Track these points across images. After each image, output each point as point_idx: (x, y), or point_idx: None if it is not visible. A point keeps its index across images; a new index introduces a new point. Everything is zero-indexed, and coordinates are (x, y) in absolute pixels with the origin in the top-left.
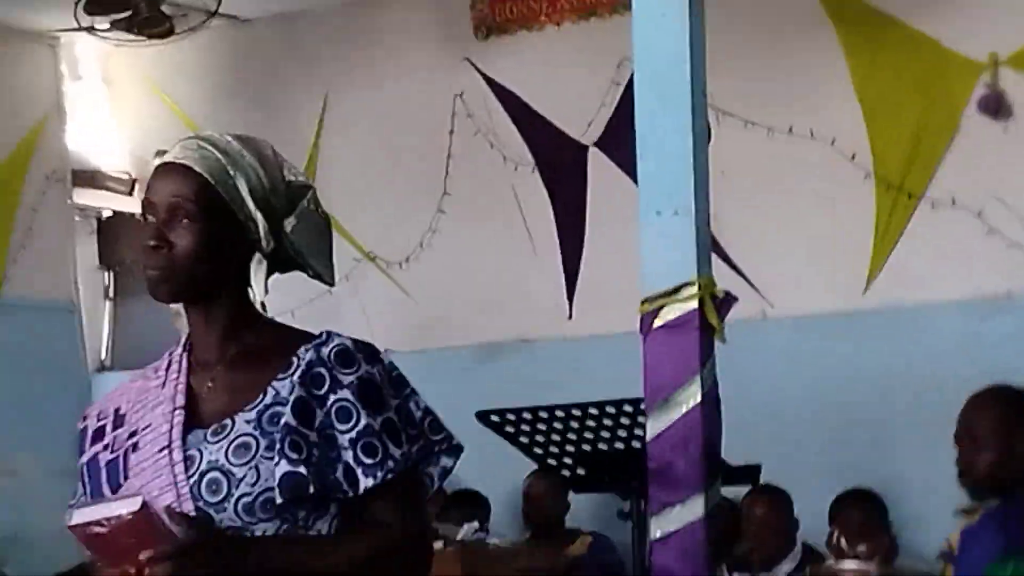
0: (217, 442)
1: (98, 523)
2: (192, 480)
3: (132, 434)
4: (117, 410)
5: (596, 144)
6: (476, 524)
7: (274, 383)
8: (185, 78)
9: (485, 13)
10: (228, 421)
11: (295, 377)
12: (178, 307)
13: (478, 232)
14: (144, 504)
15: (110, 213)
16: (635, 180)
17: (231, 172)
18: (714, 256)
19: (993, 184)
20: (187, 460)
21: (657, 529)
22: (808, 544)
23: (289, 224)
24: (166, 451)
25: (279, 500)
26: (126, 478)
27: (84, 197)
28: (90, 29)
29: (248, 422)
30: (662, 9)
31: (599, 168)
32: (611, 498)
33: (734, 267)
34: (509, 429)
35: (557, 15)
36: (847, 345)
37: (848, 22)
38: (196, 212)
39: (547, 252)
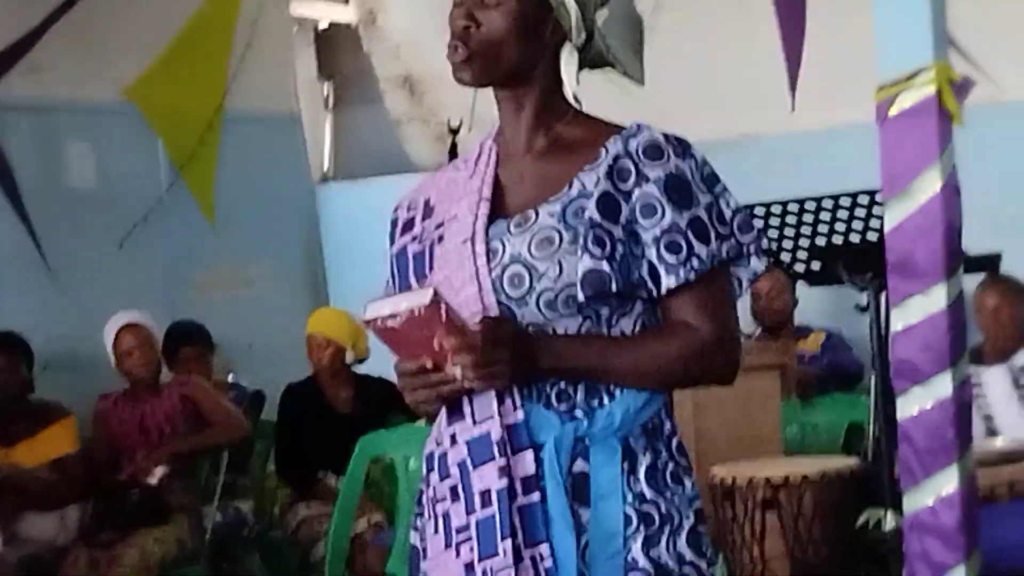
0: (520, 234)
1: (391, 316)
2: (494, 273)
3: (439, 225)
4: (427, 201)
5: None
6: None
7: (580, 175)
8: None
9: None
10: (532, 212)
11: (601, 170)
12: (401, 114)
13: (695, 24)
14: (436, 295)
15: (327, 24)
16: None
17: None
18: None
19: None
20: (490, 252)
21: (899, 321)
22: None
23: (601, 16)
24: (469, 242)
25: (581, 296)
26: (431, 269)
27: (301, 8)
28: None
29: (552, 215)
30: None
31: None
32: (846, 292)
33: (960, 51)
34: None
35: None
36: None
37: None
38: None
39: (767, 42)
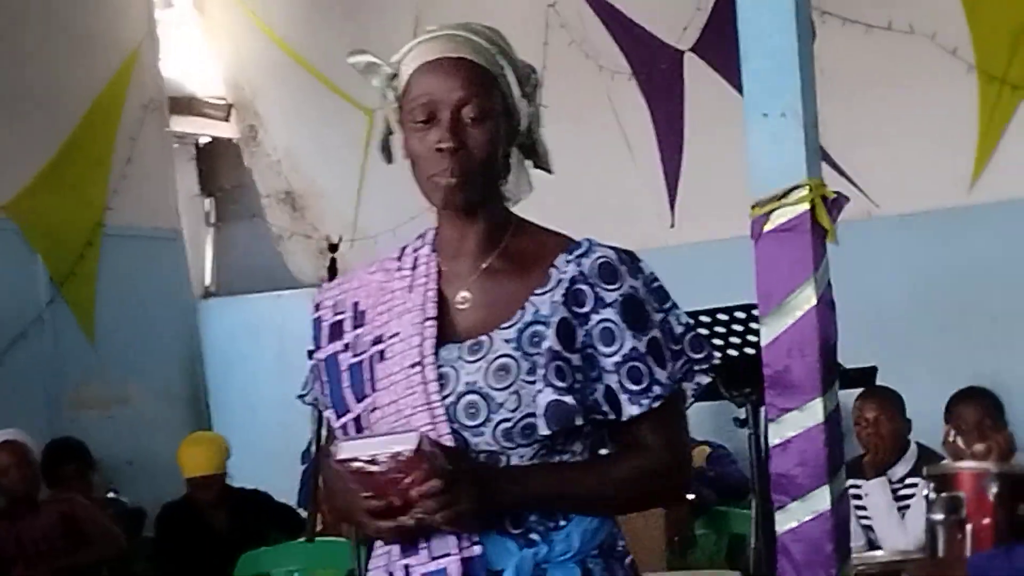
0: (475, 361)
1: (371, 460)
2: (448, 400)
3: (378, 340)
4: (356, 305)
5: (692, 49)
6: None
7: (532, 298)
8: (276, 1)
9: None
10: (485, 338)
11: (556, 296)
12: (283, 229)
13: (576, 143)
14: (420, 444)
15: (208, 139)
16: (733, 84)
17: (500, 61)
18: None
19: None
20: (440, 378)
21: (776, 436)
22: (923, 445)
23: (529, 110)
24: (419, 368)
25: (545, 431)
26: (373, 389)
27: (181, 124)
28: None
29: (507, 341)
30: None
31: (696, 73)
32: (726, 406)
33: (837, 168)
34: None
35: None
36: (956, 242)
37: None
38: (487, 108)
39: (647, 160)
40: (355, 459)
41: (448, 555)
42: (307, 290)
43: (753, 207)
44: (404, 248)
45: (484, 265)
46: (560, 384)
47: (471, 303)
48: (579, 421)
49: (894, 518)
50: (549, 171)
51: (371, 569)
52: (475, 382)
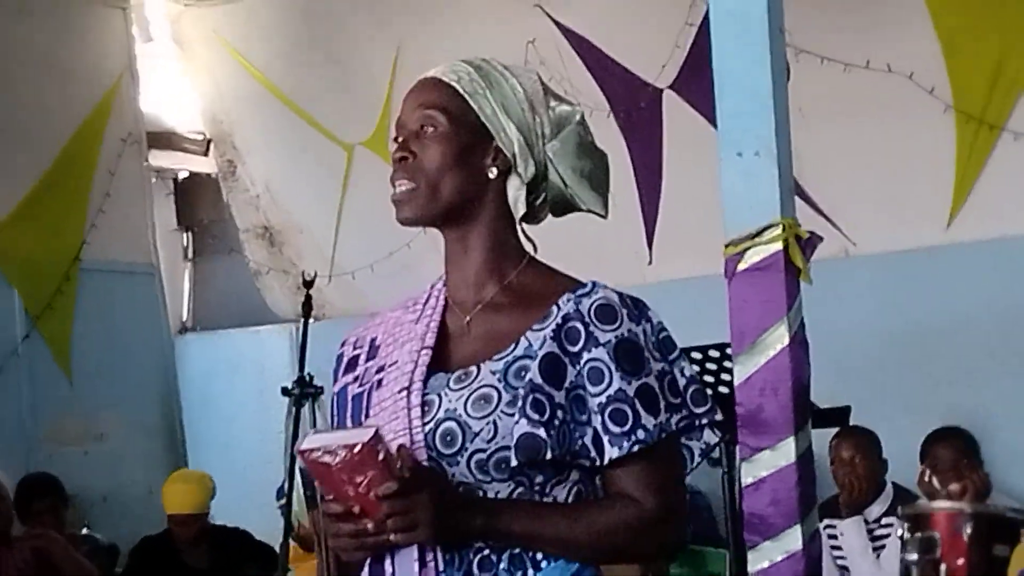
0: (459, 389)
1: (328, 451)
2: (428, 427)
3: (380, 369)
4: (373, 340)
5: (671, 87)
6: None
7: (528, 333)
8: (256, 35)
9: None
10: (474, 368)
11: (549, 330)
12: (261, 264)
13: None
14: (375, 436)
15: (186, 174)
16: (711, 122)
17: (483, 83)
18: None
19: None
20: (425, 405)
21: (748, 475)
22: (898, 484)
23: (553, 149)
24: (405, 392)
25: (514, 462)
26: (367, 415)
27: (160, 159)
28: None
29: (493, 373)
30: None
31: (674, 111)
32: None
33: (814, 206)
34: None
35: None
36: (932, 281)
37: None
38: (443, 121)
39: (624, 198)
40: (314, 449)
41: None
42: (284, 326)
43: (727, 246)
44: (433, 285)
45: (487, 298)
46: (535, 417)
47: (468, 334)
48: (549, 455)
49: (869, 558)
50: (601, 215)
51: None
52: (455, 410)
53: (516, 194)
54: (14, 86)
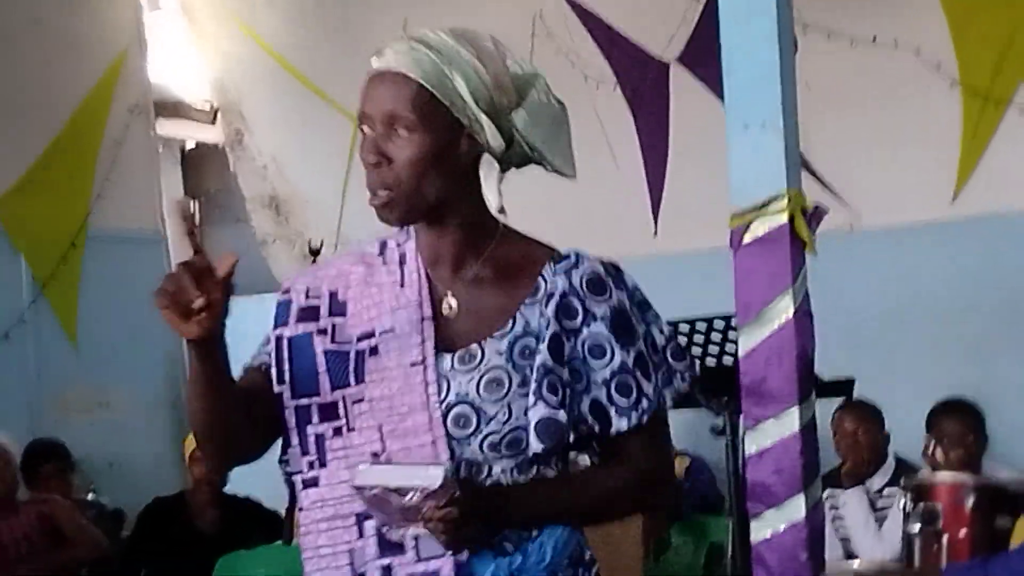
0: (467, 372)
1: (397, 491)
2: (441, 407)
3: (368, 333)
4: (333, 294)
5: (678, 60)
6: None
7: (523, 309)
8: (264, 6)
9: None
10: (476, 348)
11: (548, 308)
12: (267, 234)
13: None
14: (446, 477)
15: (193, 143)
16: (718, 95)
17: (448, 73)
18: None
19: None
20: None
21: (752, 445)
22: (902, 457)
23: (519, 118)
24: (420, 368)
25: (538, 447)
26: (360, 381)
27: (167, 128)
28: None
29: (499, 353)
30: None
31: (681, 84)
32: (704, 415)
33: (820, 180)
34: None
35: None
36: (937, 255)
37: None
38: (415, 121)
39: (631, 170)
40: (373, 487)
41: (440, 557)
42: (319, 263)
43: (732, 217)
44: (385, 243)
45: (470, 273)
46: (553, 400)
47: (459, 311)
48: (570, 438)
49: (871, 528)
50: (569, 175)
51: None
52: (467, 393)
53: (489, 175)
54: (22, 55)
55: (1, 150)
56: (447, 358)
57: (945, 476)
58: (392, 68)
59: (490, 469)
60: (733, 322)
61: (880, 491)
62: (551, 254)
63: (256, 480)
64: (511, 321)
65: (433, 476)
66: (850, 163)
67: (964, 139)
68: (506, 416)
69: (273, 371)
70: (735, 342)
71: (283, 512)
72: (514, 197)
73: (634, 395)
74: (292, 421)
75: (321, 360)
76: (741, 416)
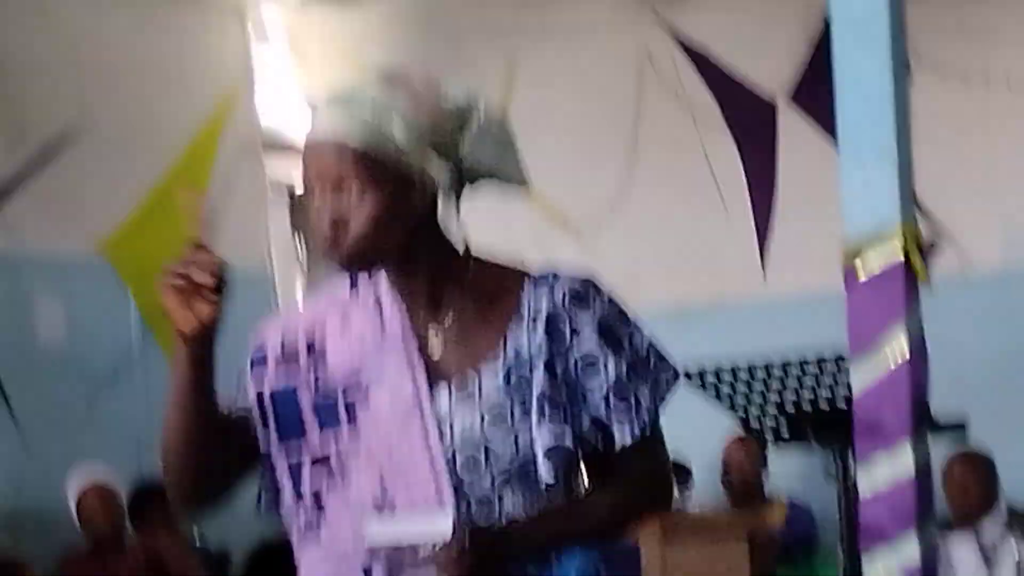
0: (464, 402)
1: (411, 547)
2: (447, 450)
3: (355, 384)
4: (311, 345)
5: (787, 98)
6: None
7: (509, 332)
8: (372, 41)
9: None
10: (472, 380)
11: (537, 332)
12: None
13: (668, 193)
14: (455, 528)
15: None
16: (828, 131)
17: (383, 129)
18: None
19: None
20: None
21: (866, 486)
22: (1012, 506)
23: (464, 145)
24: (417, 414)
25: (550, 479)
26: (352, 431)
27: (275, 166)
28: None
29: (495, 385)
30: None
31: (790, 124)
32: (816, 458)
33: (932, 221)
34: (710, 387)
35: None
36: None
37: None
38: (361, 185)
39: (738, 212)
40: (391, 546)
41: None
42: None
43: (845, 252)
44: (354, 282)
45: (449, 308)
46: (556, 427)
47: (445, 347)
48: (578, 459)
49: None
50: (522, 183)
51: None
52: (472, 435)
53: (447, 205)
54: (132, 94)
55: (109, 189)
56: (443, 394)
57: None
58: (329, 138)
59: (500, 504)
60: (842, 362)
61: (991, 539)
62: (526, 274)
63: None
64: (501, 345)
65: (442, 529)
66: (961, 203)
67: None
68: (513, 450)
69: (259, 430)
70: (846, 382)
71: None
72: (630, 237)
73: (633, 407)
74: (284, 478)
75: (308, 414)
76: (853, 458)
